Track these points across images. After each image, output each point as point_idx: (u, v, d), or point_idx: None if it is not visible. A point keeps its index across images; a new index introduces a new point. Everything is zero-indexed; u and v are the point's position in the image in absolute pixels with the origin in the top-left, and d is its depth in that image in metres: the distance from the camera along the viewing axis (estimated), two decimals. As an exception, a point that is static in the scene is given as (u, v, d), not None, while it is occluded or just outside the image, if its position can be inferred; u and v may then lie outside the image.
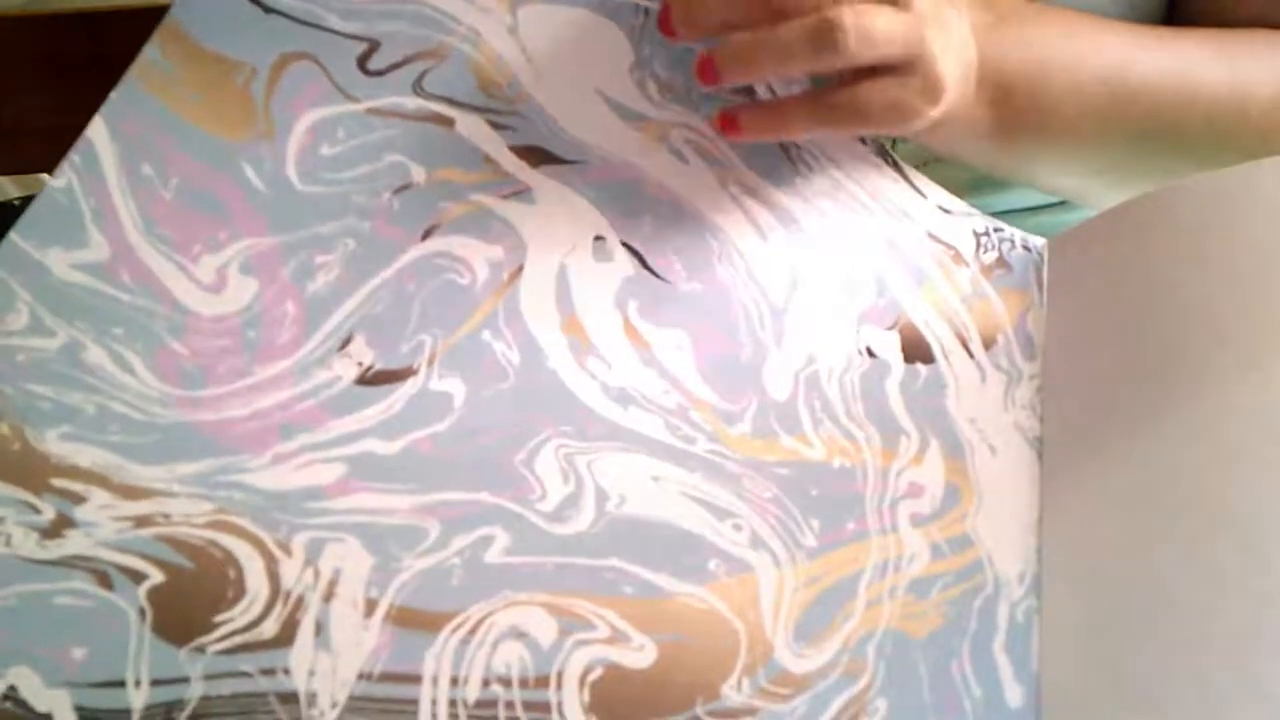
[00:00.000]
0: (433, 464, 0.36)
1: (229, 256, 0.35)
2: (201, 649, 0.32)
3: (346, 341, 0.36)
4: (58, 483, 0.32)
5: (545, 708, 0.35)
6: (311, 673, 0.33)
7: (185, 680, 0.32)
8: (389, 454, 0.35)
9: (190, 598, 0.32)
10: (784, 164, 0.43)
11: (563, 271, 0.39)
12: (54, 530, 0.32)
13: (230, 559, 0.33)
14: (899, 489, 0.41)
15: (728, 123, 0.41)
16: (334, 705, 0.33)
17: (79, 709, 0.31)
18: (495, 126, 0.39)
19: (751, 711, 0.37)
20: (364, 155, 0.37)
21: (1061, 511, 0.42)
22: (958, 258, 0.45)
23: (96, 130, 0.35)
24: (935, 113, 0.40)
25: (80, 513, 0.32)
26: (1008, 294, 0.45)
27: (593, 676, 0.35)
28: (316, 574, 0.34)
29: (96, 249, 0.34)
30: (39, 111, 0.68)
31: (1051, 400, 0.44)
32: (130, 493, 0.33)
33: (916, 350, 0.43)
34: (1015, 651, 0.40)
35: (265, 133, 0.36)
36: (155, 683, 0.32)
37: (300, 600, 0.33)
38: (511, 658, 0.35)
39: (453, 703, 0.34)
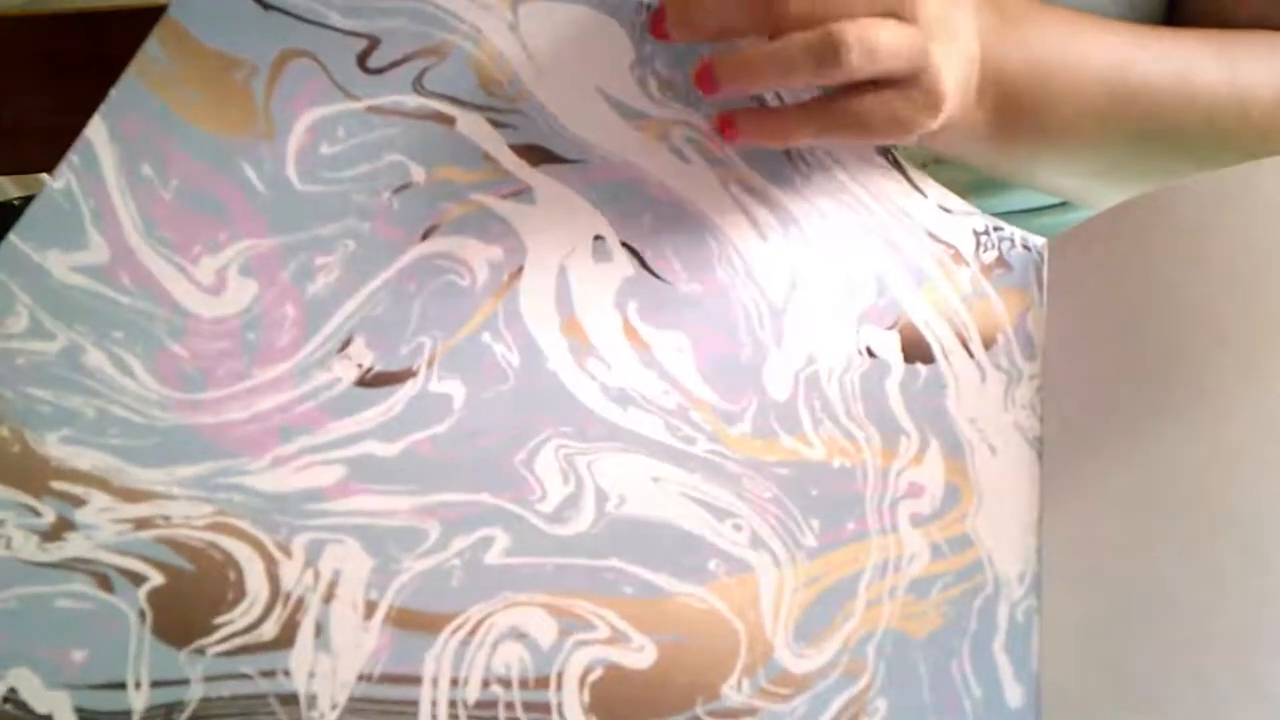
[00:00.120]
0: (432, 465, 0.36)
1: (229, 258, 0.35)
2: (201, 651, 0.32)
3: (346, 343, 0.36)
4: (58, 485, 0.32)
5: (545, 708, 0.35)
6: (311, 674, 0.33)
7: (185, 682, 0.32)
8: (389, 456, 0.35)
9: (190, 600, 0.32)
10: (785, 163, 0.43)
11: (562, 272, 0.39)
12: (54, 533, 0.32)
13: (230, 561, 0.33)
14: (899, 489, 0.41)
15: (726, 125, 0.41)
16: (334, 707, 0.33)
17: (79, 711, 0.31)
18: (496, 125, 0.39)
19: (751, 711, 0.37)
20: (364, 154, 0.37)
21: (1061, 511, 0.42)
22: (958, 257, 0.45)
23: (96, 130, 0.35)
24: (935, 124, 0.40)
25: (80, 515, 0.32)
26: (1008, 293, 0.45)
27: (593, 677, 0.35)
28: (316, 576, 0.34)
29: (96, 251, 0.34)
30: (39, 111, 0.68)
31: (1051, 400, 0.44)
32: (130, 495, 0.33)
33: (916, 350, 0.43)
34: (1015, 651, 0.40)
35: (265, 132, 0.36)
36: (155, 684, 0.32)
37: (300, 602, 0.33)
38: (511, 658, 0.35)
39: (453, 704, 0.34)
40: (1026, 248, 0.46)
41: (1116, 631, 0.38)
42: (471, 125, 0.39)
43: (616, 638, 0.36)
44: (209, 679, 0.32)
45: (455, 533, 0.35)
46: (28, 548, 0.32)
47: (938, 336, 0.43)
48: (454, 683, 0.34)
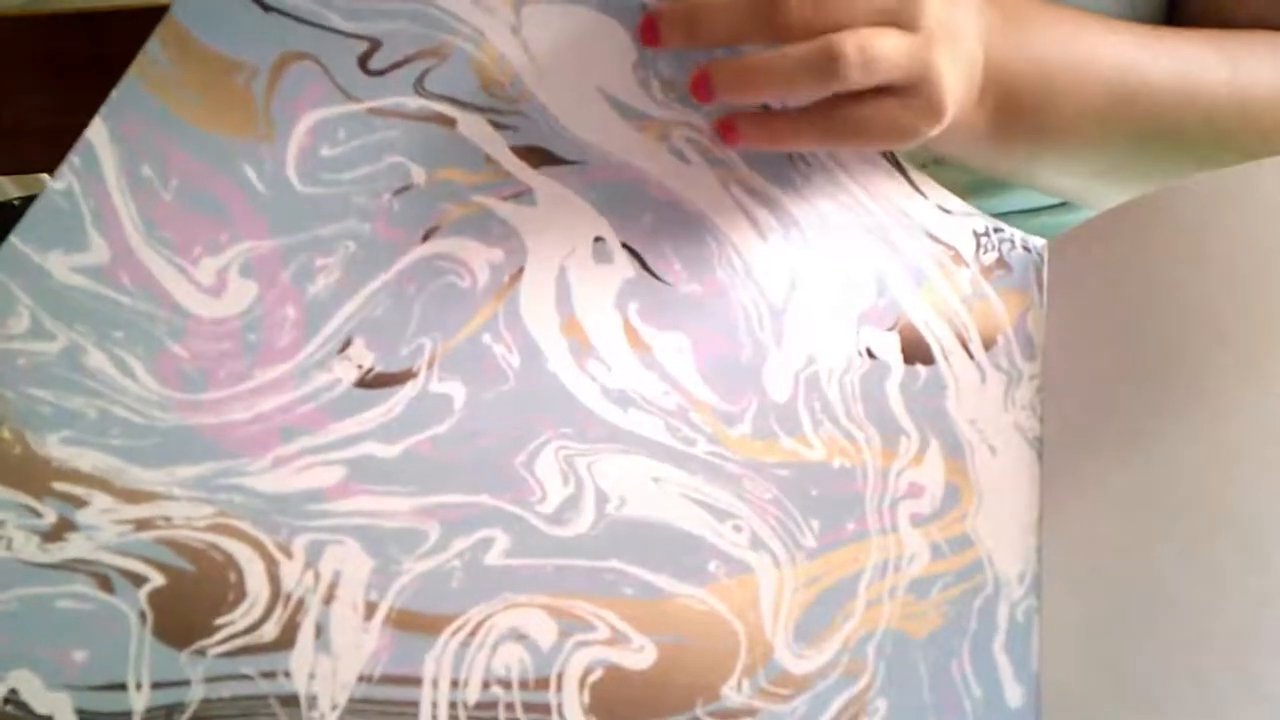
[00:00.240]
0: (433, 466, 0.36)
1: (229, 259, 0.35)
2: (202, 652, 0.32)
3: (346, 344, 0.36)
4: (59, 486, 0.32)
5: (545, 709, 0.35)
6: (312, 675, 0.33)
7: (186, 683, 0.32)
8: (389, 456, 0.35)
9: (191, 601, 0.32)
10: (785, 164, 0.43)
11: (563, 274, 0.39)
12: (55, 534, 0.32)
13: (231, 562, 0.33)
14: (899, 489, 0.41)
15: (727, 129, 0.41)
16: (334, 708, 0.33)
17: (80, 712, 0.31)
18: (497, 126, 0.39)
19: (751, 712, 0.37)
20: (364, 156, 0.37)
21: (1061, 511, 0.42)
22: (957, 258, 0.45)
23: (96, 131, 0.35)
24: (935, 131, 0.39)
25: (81, 516, 0.32)
26: (1008, 294, 0.45)
27: (593, 678, 0.35)
28: (317, 577, 0.34)
29: (97, 252, 0.34)
30: (39, 111, 0.68)
31: (1051, 400, 0.44)
32: (131, 496, 0.33)
33: (916, 351, 0.43)
34: (1015, 651, 0.40)
35: (265, 134, 0.36)
36: (156, 685, 0.32)
37: (300, 603, 0.33)
38: (511, 659, 0.35)
39: (453, 705, 0.34)
40: (1026, 249, 0.46)
41: (1116, 631, 0.38)
42: (472, 127, 0.39)
43: (616, 639, 0.36)
44: (209, 680, 0.32)
45: (455, 534, 0.35)
46: (28, 548, 0.32)
47: (938, 337, 0.43)
48: (454, 684, 0.34)
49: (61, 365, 0.33)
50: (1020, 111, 0.43)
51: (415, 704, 0.34)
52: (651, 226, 0.40)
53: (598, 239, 0.39)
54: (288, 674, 0.33)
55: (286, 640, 0.33)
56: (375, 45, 0.38)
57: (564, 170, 0.39)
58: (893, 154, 0.45)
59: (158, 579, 0.32)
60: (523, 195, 0.39)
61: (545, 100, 0.39)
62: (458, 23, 0.39)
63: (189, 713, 0.32)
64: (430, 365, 0.36)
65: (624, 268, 0.39)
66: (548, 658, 0.35)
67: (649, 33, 0.40)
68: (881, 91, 0.38)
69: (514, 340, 0.37)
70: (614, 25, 0.40)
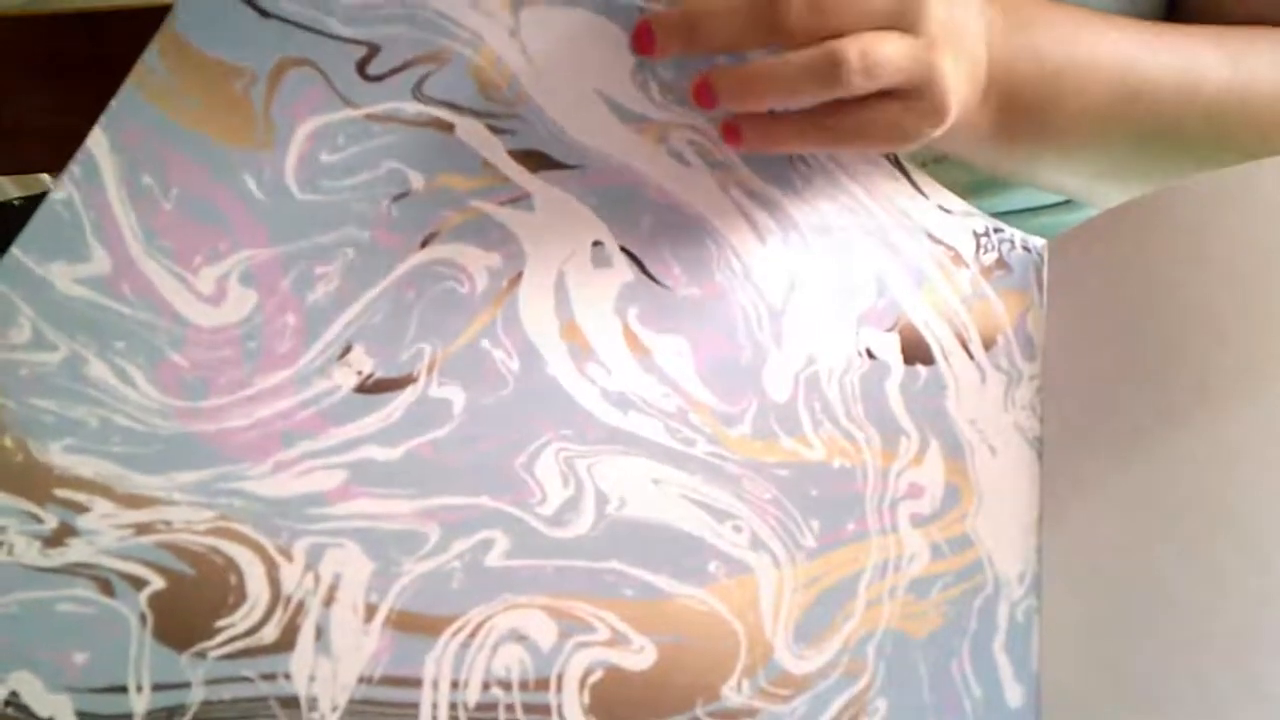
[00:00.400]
0: (433, 469, 0.36)
1: (229, 267, 0.35)
2: (203, 654, 0.32)
3: (346, 351, 0.36)
4: (60, 493, 0.32)
5: (545, 710, 0.35)
6: (312, 677, 0.33)
7: (186, 685, 0.32)
8: (389, 460, 0.35)
9: (191, 603, 0.33)
10: (785, 165, 0.42)
11: (561, 278, 0.39)
12: (56, 539, 0.32)
13: (231, 565, 0.33)
14: (899, 489, 0.41)
15: (730, 132, 0.41)
16: (334, 709, 0.33)
17: (80, 714, 0.31)
18: (495, 130, 0.39)
19: (751, 712, 0.37)
20: (363, 162, 0.37)
21: (1061, 511, 0.42)
22: (957, 259, 0.45)
23: (96, 141, 0.35)
24: (938, 133, 0.39)
25: (82, 521, 0.32)
26: (1008, 295, 0.45)
27: (593, 678, 0.35)
28: (317, 579, 0.34)
29: (98, 262, 0.34)
30: (39, 111, 0.68)
31: (1051, 400, 0.44)
32: (132, 501, 0.33)
33: (916, 351, 0.43)
34: (1015, 651, 0.40)
35: (265, 140, 0.36)
36: (157, 687, 0.32)
37: (301, 605, 0.33)
38: (511, 660, 0.35)
39: (453, 706, 0.34)
40: (1026, 249, 0.46)
41: (1116, 631, 0.38)
42: (470, 131, 0.39)
43: (616, 639, 0.36)
44: (210, 682, 0.32)
45: (455, 535, 0.35)
46: (30, 554, 0.32)
47: (938, 338, 0.43)
48: (454, 685, 0.34)
49: (63, 375, 0.33)
50: (1023, 111, 0.43)
51: (415, 705, 0.34)
52: (650, 230, 0.40)
53: (596, 243, 0.39)
54: (288, 676, 0.33)
55: (287, 642, 0.33)
56: (374, 50, 0.38)
57: (562, 174, 0.39)
58: (894, 154, 0.45)
59: (158, 582, 0.32)
60: (521, 200, 0.39)
61: (543, 103, 0.39)
62: (456, 27, 0.39)
63: (189, 714, 0.32)
64: (430, 370, 0.36)
65: (623, 271, 0.39)
66: (548, 658, 0.35)
67: (644, 40, 0.40)
68: (884, 94, 0.38)
69: (513, 345, 0.37)
70: (612, 28, 0.40)
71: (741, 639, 0.37)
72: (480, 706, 0.34)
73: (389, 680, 0.34)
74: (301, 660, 0.33)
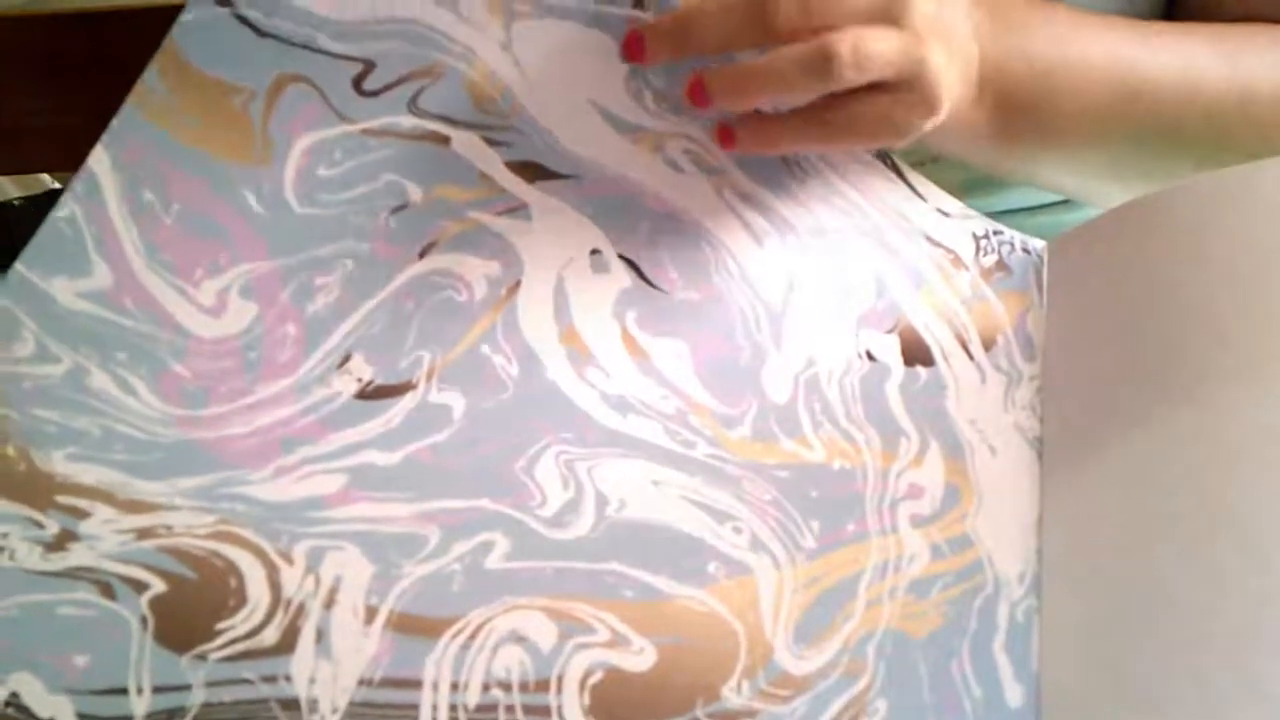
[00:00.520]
0: (433, 472, 0.36)
1: (229, 280, 0.36)
2: (203, 656, 0.32)
3: (346, 359, 0.36)
4: (62, 499, 0.32)
5: (545, 711, 0.35)
6: (312, 680, 0.33)
7: (187, 687, 0.32)
8: (389, 464, 0.35)
9: (192, 606, 0.33)
10: (781, 170, 0.43)
11: (560, 285, 0.39)
12: (58, 544, 0.32)
13: (232, 568, 0.33)
14: (899, 490, 0.41)
15: (724, 135, 0.41)
16: (335, 711, 0.33)
17: (81, 716, 0.31)
18: (491, 143, 0.39)
19: (751, 713, 0.37)
20: (361, 176, 0.38)
21: (1061, 511, 0.42)
22: (957, 261, 0.45)
23: (98, 159, 0.35)
24: (930, 126, 0.39)
25: (84, 527, 0.32)
26: (1007, 295, 0.45)
27: (593, 680, 0.35)
28: (317, 582, 0.34)
29: (100, 276, 0.35)
30: (39, 111, 0.67)
31: (1051, 401, 0.44)
32: (133, 507, 0.33)
33: (916, 352, 0.43)
34: (1015, 651, 0.40)
35: (263, 156, 0.37)
36: (157, 690, 0.32)
37: (301, 608, 0.33)
38: (511, 662, 0.35)
39: (453, 707, 0.34)
40: (1026, 251, 0.46)
41: (1116, 631, 0.38)
42: (466, 144, 0.39)
43: (616, 640, 0.36)
44: (210, 684, 0.32)
45: (455, 538, 0.35)
46: (31, 558, 0.32)
47: (937, 339, 0.43)
48: (454, 687, 0.34)
49: (66, 387, 0.33)
50: (1019, 111, 0.43)
51: (415, 707, 0.34)
52: (648, 236, 0.40)
53: (594, 251, 0.39)
54: (288, 678, 0.33)
55: (287, 645, 0.33)
56: (369, 66, 0.38)
57: (559, 184, 0.39)
58: (890, 157, 0.45)
59: (159, 585, 0.32)
60: (518, 210, 0.39)
61: (538, 115, 0.40)
62: (449, 41, 0.39)
63: (189, 717, 0.32)
64: (429, 377, 0.37)
65: (621, 277, 0.39)
66: (548, 660, 0.35)
67: (635, 48, 0.40)
68: (876, 89, 0.38)
69: (512, 350, 0.38)
70: (604, 39, 0.41)
71: (741, 640, 0.37)
72: (480, 708, 0.34)
73: (389, 682, 0.34)
74: (302, 662, 0.33)
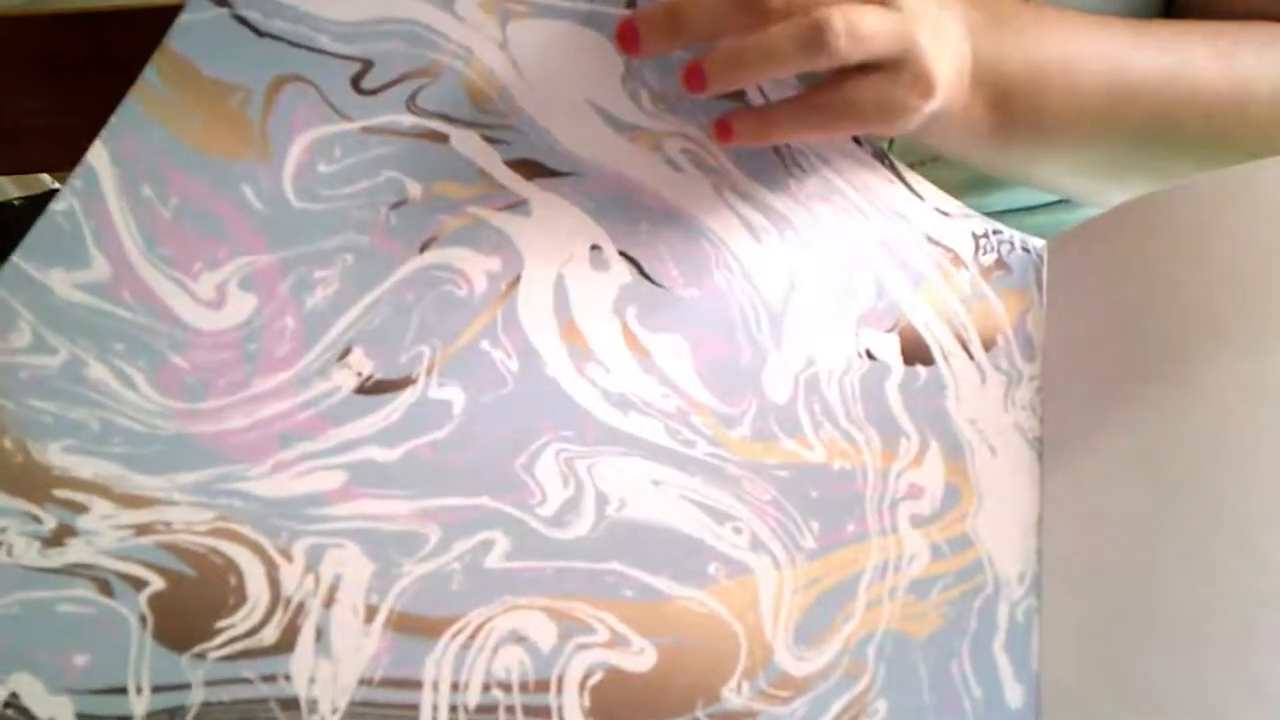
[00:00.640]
0: (433, 470, 0.36)
1: (228, 274, 0.36)
2: (202, 655, 0.32)
3: (345, 353, 0.36)
4: (60, 493, 0.32)
5: (545, 712, 0.35)
6: (312, 679, 0.33)
7: (186, 687, 0.32)
8: (389, 461, 0.35)
9: (191, 604, 0.32)
10: (778, 168, 0.43)
11: (560, 281, 0.39)
12: (55, 539, 0.32)
13: (231, 566, 0.33)
14: (899, 490, 0.41)
15: (721, 129, 0.41)
16: (334, 711, 0.33)
17: (80, 716, 0.31)
18: (490, 141, 0.39)
19: (751, 714, 0.37)
20: (360, 172, 0.38)
21: (1061, 511, 0.42)
22: (956, 260, 0.45)
23: (97, 154, 0.35)
24: (927, 108, 0.40)
25: (82, 522, 0.32)
26: (1007, 295, 0.45)
27: (593, 680, 0.35)
28: (317, 580, 0.34)
29: (98, 269, 0.34)
30: (39, 111, 0.68)
31: (1051, 401, 0.44)
32: (132, 502, 0.33)
33: (916, 352, 0.43)
34: (1015, 651, 0.40)
35: (262, 154, 0.37)
36: (156, 689, 0.32)
37: (301, 606, 0.33)
38: (512, 662, 0.35)
39: (453, 708, 0.34)
40: (1026, 250, 0.46)
41: (1116, 631, 0.38)
42: (465, 141, 0.39)
43: (616, 641, 0.36)
44: (210, 683, 0.32)
45: (455, 536, 0.35)
46: (29, 554, 0.32)
47: (937, 338, 0.43)
48: (454, 686, 0.34)
49: (63, 378, 0.33)
50: (1017, 111, 0.43)
51: (415, 707, 0.34)
52: (648, 234, 0.40)
53: (594, 247, 0.39)
54: (288, 677, 0.33)
55: (287, 643, 0.33)
56: (367, 66, 0.38)
57: (558, 182, 0.40)
58: (889, 158, 0.45)
59: (158, 583, 0.32)
60: (518, 206, 0.39)
61: (535, 114, 0.40)
62: (446, 41, 0.39)
63: (189, 716, 0.32)
64: (429, 372, 0.37)
65: (621, 274, 0.40)
66: (548, 660, 0.35)
67: (629, 39, 0.40)
68: (868, 71, 0.39)
69: (513, 345, 0.38)
70: (599, 39, 0.41)
71: (741, 640, 0.37)
72: (480, 708, 0.34)
73: (389, 682, 0.34)
74: (302, 661, 0.33)
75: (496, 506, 0.36)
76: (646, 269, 0.40)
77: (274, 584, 0.33)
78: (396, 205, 0.38)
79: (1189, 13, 0.49)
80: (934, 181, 0.46)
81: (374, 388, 0.36)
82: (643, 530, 0.37)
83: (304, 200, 0.37)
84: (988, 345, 0.44)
